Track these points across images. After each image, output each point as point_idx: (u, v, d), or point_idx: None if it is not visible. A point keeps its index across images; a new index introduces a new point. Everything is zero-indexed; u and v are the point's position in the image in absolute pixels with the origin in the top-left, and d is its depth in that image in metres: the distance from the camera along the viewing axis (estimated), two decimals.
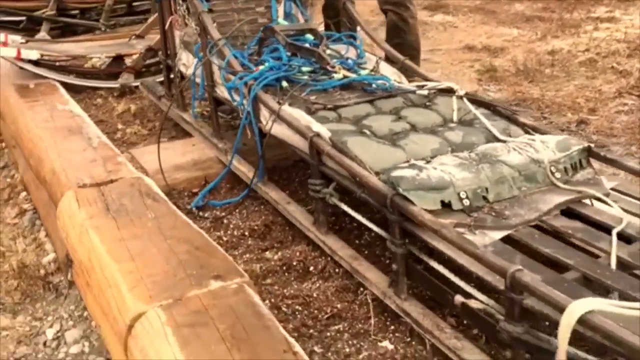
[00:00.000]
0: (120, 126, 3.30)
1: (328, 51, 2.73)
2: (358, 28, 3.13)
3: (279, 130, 2.26)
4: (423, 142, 2.06)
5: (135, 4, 4.86)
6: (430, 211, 1.74)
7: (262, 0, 3.06)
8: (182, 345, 1.63)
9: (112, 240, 2.08)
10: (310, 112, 2.26)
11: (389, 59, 2.77)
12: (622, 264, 1.57)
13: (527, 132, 2.19)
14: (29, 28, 4.42)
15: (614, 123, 4.23)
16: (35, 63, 3.60)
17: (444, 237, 1.60)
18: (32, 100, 3.25)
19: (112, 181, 2.46)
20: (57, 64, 3.88)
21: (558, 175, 1.92)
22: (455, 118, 2.26)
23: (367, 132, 2.13)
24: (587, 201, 1.87)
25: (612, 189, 1.92)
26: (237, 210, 2.53)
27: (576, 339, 1.32)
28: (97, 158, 2.64)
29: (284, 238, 2.36)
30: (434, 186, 1.78)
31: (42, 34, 4.29)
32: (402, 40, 3.25)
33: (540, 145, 1.99)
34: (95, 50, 3.74)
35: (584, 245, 1.67)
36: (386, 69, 2.69)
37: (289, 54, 2.64)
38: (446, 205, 1.77)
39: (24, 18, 4.47)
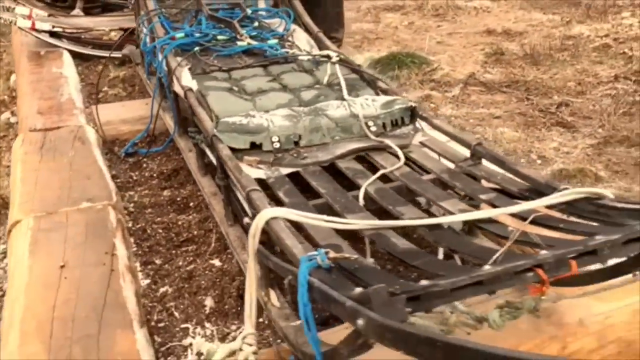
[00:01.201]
0: (105, 88, 3.84)
1: (256, 23, 3.10)
2: None
3: (178, 89, 2.65)
4: (276, 98, 2.39)
5: None
6: (244, 150, 2.08)
7: None
8: (32, 242, 2.09)
9: (29, 170, 2.59)
10: (204, 72, 2.64)
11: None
12: (370, 198, 1.84)
13: (384, 93, 2.45)
14: (70, 5, 5.06)
15: (595, 106, 4.27)
16: (52, 34, 4.21)
17: (228, 167, 1.94)
18: (36, 64, 3.86)
19: (58, 128, 2.97)
20: (83, 36, 4.48)
21: (374, 128, 2.19)
22: (324, 81, 2.55)
23: (236, 88, 2.49)
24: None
25: (421, 142, 2.16)
26: (158, 158, 2.96)
27: None
28: (56, 110, 3.16)
29: (184, 181, 2.76)
30: (250, 130, 2.11)
31: (77, 11, 4.92)
32: (340, 9, 3.57)
33: (369, 103, 2.25)
34: (101, 24, 4.30)
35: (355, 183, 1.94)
36: (301, 39, 3.01)
37: (221, 25, 3.03)
38: (257, 147, 2.10)
39: None
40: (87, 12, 4.95)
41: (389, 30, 6.16)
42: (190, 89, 2.43)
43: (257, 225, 1.59)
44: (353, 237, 1.68)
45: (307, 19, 3.11)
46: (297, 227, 1.63)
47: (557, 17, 6.28)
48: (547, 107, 4.30)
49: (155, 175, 2.81)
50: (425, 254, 1.44)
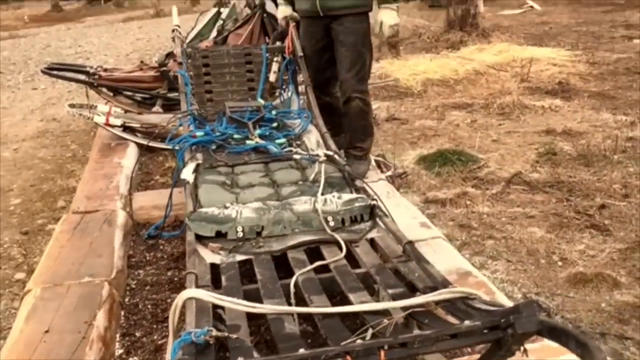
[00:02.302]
0: (156, 177, 4.31)
1: (275, 124, 3.44)
2: None
3: None
4: (258, 192, 2.67)
5: None
6: (212, 238, 2.35)
7: (253, 83, 3.89)
8: (31, 309, 2.44)
9: (57, 247, 3.00)
10: (212, 167, 2.98)
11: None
12: (297, 284, 2.02)
13: (357, 192, 2.65)
14: (152, 103, 5.72)
15: (636, 211, 4.17)
16: (125, 129, 4.80)
17: (187, 251, 2.21)
18: (102, 154, 4.42)
19: (96, 211, 3.40)
20: (157, 130, 5.05)
21: (332, 223, 2.38)
22: (310, 178, 2.80)
23: (229, 182, 2.79)
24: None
25: (371, 238, 2.32)
26: (175, 241, 3.29)
27: None
28: (101, 195, 3.62)
29: None
30: (218, 220, 2.38)
31: (156, 108, 5.56)
32: (366, 121, 3.77)
33: (334, 200, 2.46)
34: (166, 120, 4.84)
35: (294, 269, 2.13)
36: (312, 139, 3.29)
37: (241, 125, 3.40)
38: (222, 235, 2.36)
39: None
40: (168, 108, 5.57)
41: (450, 127, 6.31)
42: (188, 182, 2.77)
43: (176, 303, 1.83)
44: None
45: (319, 121, 3.41)
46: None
47: (626, 118, 6.17)
48: (585, 209, 4.24)
49: (166, 256, 3.13)
50: (297, 339, 1.59)
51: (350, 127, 3.76)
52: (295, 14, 3.83)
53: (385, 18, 3.55)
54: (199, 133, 3.24)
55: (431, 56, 9.37)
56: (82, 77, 5.45)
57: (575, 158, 5.15)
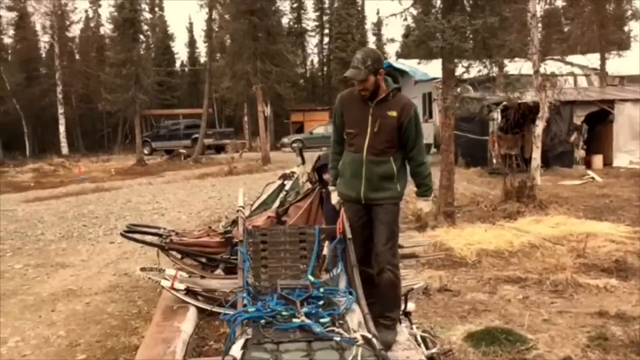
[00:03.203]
0: (211, 342, 4.58)
1: (321, 302, 3.72)
2: None
3: None
4: None
5: None
6: None
7: (305, 259, 4.24)
8: None
9: None
10: (259, 343, 3.25)
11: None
12: None
13: None
14: (216, 266, 6.15)
15: None
16: (187, 292, 5.17)
17: None
18: (164, 318, 4.76)
19: None
20: (217, 294, 5.41)
21: None
22: None
23: None
24: None
25: None
26: None
27: None
28: None
29: None
30: None
31: (218, 271, 5.98)
32: (396, 293, 4.05)
33: None
34: (225, 285, 5.20)
35: None
36: (354, 319, 3.54)
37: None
38: None
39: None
40: (229, 271, 5.96)
41: (501, 302, 6.34)
42: (235, 358, 3.03)
43: None
44: None
45: (362, 302, 3.67)
46: None
47: None
48: None
49: None
50: None
51: (381, 297, 4.03)
52: None
53: (422, 205, 4.38)
54: (251, 309, 3.54)
55: (487, 226, 9.52)
56: (155, 239, 5.99)
57: (627, 345, 5.07)
